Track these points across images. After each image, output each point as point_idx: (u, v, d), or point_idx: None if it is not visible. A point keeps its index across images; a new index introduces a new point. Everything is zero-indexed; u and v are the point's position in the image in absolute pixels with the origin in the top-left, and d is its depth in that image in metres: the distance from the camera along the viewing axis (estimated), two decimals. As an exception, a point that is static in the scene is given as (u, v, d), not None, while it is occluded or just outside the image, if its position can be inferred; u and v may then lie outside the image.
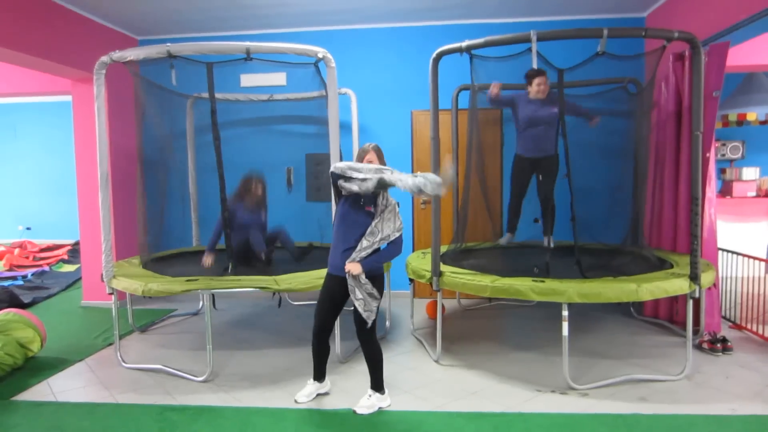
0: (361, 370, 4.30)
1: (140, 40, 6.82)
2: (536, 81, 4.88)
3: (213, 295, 4.23)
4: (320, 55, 4.20)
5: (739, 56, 5.34)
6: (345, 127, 6.08)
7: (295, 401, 3.74)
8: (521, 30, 3.90)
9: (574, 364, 4.22)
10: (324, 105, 4.42)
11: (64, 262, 9.30)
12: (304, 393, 3.78)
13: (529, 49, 3.85)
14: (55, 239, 10.69)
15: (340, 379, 4.15)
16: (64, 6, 5.58)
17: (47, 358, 4.65)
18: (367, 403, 3.61)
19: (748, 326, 5.01)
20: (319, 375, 3.82)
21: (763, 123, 6.91)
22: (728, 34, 4.56)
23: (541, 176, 5.01)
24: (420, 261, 4.94)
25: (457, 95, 5.86)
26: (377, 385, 3.66)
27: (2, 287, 6.65)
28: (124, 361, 4.49)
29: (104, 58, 4.24)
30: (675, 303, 5.15)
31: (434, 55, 4.26)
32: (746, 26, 4.34)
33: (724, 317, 5.32)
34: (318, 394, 3.83)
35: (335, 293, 3.59)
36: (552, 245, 4.81)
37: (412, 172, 6.55)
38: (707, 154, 4.72)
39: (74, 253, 9.55)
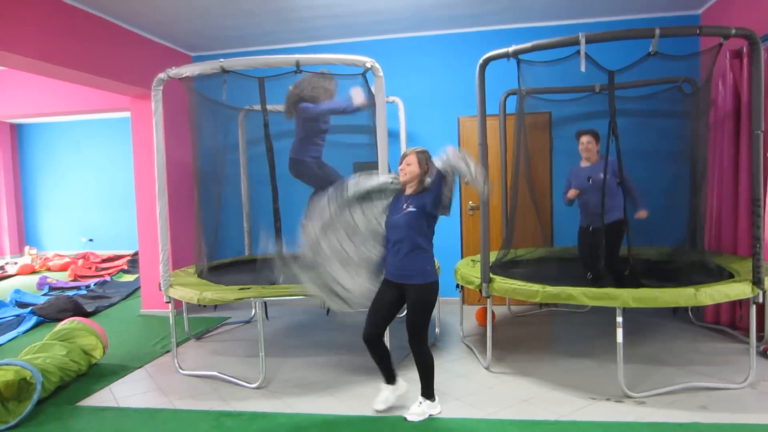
0: (412, 377, 4.30)
1: (194, 56, 7.06)
2: (584, 139, 4.87)
3: (265, 303, 4.31)
4: (368, 65, 4.25)
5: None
6: (393, 135, 6.12)
7: (375, 410, 3.70)
8: (570, 32, 3.84)
9: (629, 371, 4.10)
10: (372, 114, 4.47)
11: (124, 272, 9.68)
12: (380, 399, 3.74)
13: (578, 52, 3.80)
14: (115, 250, 11.15)
15: (391, 385, 4.16)
16: (122, 26, 5.85)
17: (109, 364, 4.84)
18: (417, 410, 3.60)
19: (818, 333, 4.76)
20: (389, 377, 3.78)
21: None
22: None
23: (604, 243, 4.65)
24: (469, 267, 4.92)
25: (505, 100, 5.82)
26: (428, 392, 3.65)
27: (67, 297, 6.97)
28: (181, 368, 4.64)
29: (161, 75, 4.42)
30: (738, 308, 4.93)
31: (481, 61, 4.25)
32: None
33: (792, 324, 5.06)
34: (399, 396, 3.79)
35: (389, 298, 3.61)
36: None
37: (460, 178, 6.52)
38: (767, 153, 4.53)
39: (133, 263, 9.94)
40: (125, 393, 4.25)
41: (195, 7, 5.40)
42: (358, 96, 4.72)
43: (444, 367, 4.50)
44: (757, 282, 3.78)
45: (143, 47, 6.18)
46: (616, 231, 4.66)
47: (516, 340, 5.18)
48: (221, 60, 4.28)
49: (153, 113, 4.50)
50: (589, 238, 4.85)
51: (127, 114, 6.85)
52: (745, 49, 4.63)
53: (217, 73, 4.31)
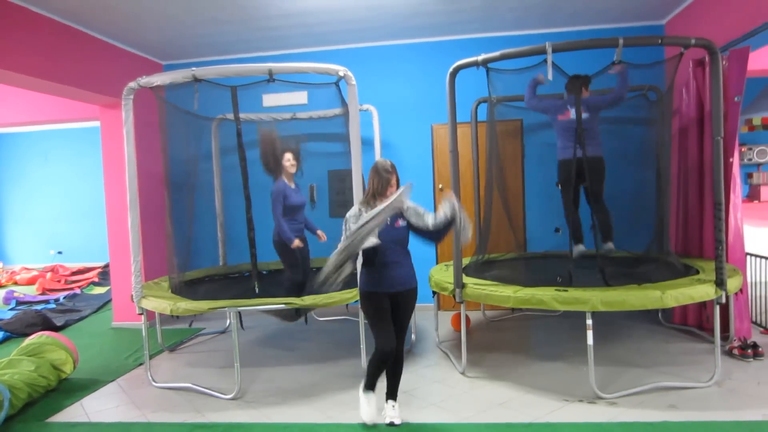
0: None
1: (165, 64, 7.01)
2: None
3: (240, 313, 4.29)
4: (341, 74, 4.28)
5: (762, 60, 5.30)
6: (367, 143, 6.16)
7: (366, 422, 3.61)
8: (539, 42, 3.92)
9: (601, 373, 4.19)
10: (345, 122, 4.50)
11: (95, 284, 9.51)
12: (372, 413, 3.62)
13: (545, 61, 3.88)
14: (85, 262, 10.94)
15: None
16: (91, 34, 5.77)
17: (80, 379, 4.75)
18: (398, 412, 3.64)
19: (781, 332, 4.92)
20: (394, 393, 3.70)
21: (789, 126, 6.81)
22: (749, 39, 4.54)
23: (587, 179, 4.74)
24: (443, 273, 4.96)
25: (476, 108, 5.90)
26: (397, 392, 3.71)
27: (35, 311, 6.82)
28: (154, 381, 4.57)
29: (132, 84, 4.38)
30: (704, 309, 5.07)
31: (451, 69, 4.31)
32: (765, 31, 4.31)
33: (755, 322, 5.22)
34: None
35: (388, 310, 3.56)
36: (611, 253, 4.73)
37: (434, 184, 6.59)
38: (731, 159, 4.68)
39: (104, 275, 9.76)
40: (97, 408, 4.17)
41: (166, 15, 5.37)
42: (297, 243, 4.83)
43: (420, 373, 4.53)
44: (720, 283, 3.90)
45: (113, 56, 6.11)
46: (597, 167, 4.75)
47: (491, 345, 5.24)
48: (193, 69, 4.27)
49: (123, 123, 4.46)
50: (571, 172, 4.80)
51: (96, 124, 6.75)
52: (706, 59, 4.78)
53: (189, 82, 4.30)
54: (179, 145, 5.23)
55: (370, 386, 3.60)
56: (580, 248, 4.95)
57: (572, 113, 4.68)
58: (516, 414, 3.68)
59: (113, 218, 6.44)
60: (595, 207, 4.69)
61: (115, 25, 5.60)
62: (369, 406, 3.59)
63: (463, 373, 4.46)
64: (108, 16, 5.35)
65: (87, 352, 5.44)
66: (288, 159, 4.82)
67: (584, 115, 4.64)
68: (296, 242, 4.76)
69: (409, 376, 4.45)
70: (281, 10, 5.36)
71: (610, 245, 4.76)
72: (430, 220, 3.48)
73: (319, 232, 5.14)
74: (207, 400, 4.20)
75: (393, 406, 3.66)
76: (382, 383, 3.61)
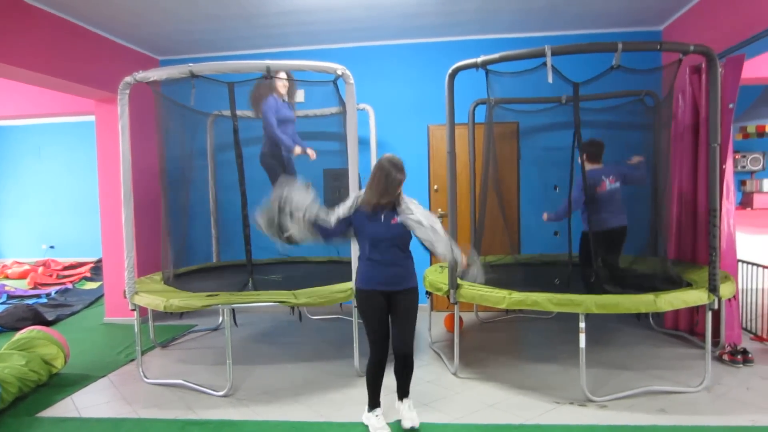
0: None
1: (161, 60, 6.98)
2: None
3: (233, 310, 4.28)
4: (339, 72, 4.28)
5: (756, 69, 5.33)
6: (363, 143, 6.16)
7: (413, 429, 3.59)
8: (537, 44, 3.93)
9: (592, 376, 4.21)
10: (342, 120, 4.49)
11: (87, 279, 9.46)
12: (407, 417, 3.62)
13: (544, 64, 3.90)
14: (77, 257, 10.89)
15: (358, 393, 4.17)
16: (87, 28, 5.74)
17: (71, 374, 4.73)
18: (415, 412, 3.63)
19: (771, 338, 4.96)
20: (404, 393, 3.67)
21: (782, 134, 6.87)
22: (744, 47, 4.57)
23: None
24: (437, 274, 4.97)
25: (474, 110, 5.91)
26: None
27: (26, 305, 6.77)
28: (146, 377, 4.55)
29: (128, 79, 4.36)
30: (695, 315, 5.10)
31: (450, 70, 4.32)
32: (762, 39, 4.34)
33: (745, 329, 5.26)
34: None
35: (380, 309, 3.51)
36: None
37: (429, 185, 6.60)
38: (724, 166, 4.71)
39: (96, 270, 9.71)
40: (87, 403, 4.15)
41: (163, 10, 5.34)
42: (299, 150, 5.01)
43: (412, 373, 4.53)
44: (713, 289, 3.92)
45: (109, 50, 6.08)
46: (613, 238, 4.82)
47: (483, 346, 5.24)
48: (190, 64, 4.25)
49: (119, 117, 4.43)
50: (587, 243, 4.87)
51: (90, 118, 6.70)
52: (703, 66, 4.81)
53: (186, 78, 4.28)
54: (175, 140, 5.22)
55: (373, 404, 3.57)
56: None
57: (608, 184, 4.84)
58: (507, 415, 3.69)
59: (107, 213, 6.40)
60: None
61: (111, 19, 5.57)
62: (379, 423, 3.51)
63: (455, 374, 4.47)
64: (105, 11, 5.32)
65: (78, 347, 5.41)
66: (281, 79, 4.91)
67: (616, 185, 4.81)
68: (297, 149, 4.79)
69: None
70: (279, 8, 5.35)
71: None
72: (439, 247, 3.40)
73: (309, 150, 5.09)
74: (198, 396, 4.19)
75: (409, 406, 3.61)
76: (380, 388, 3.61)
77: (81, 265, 10.41)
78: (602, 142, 4.92)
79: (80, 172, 10.83)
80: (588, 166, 4.85)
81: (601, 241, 4.69)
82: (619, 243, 4.86)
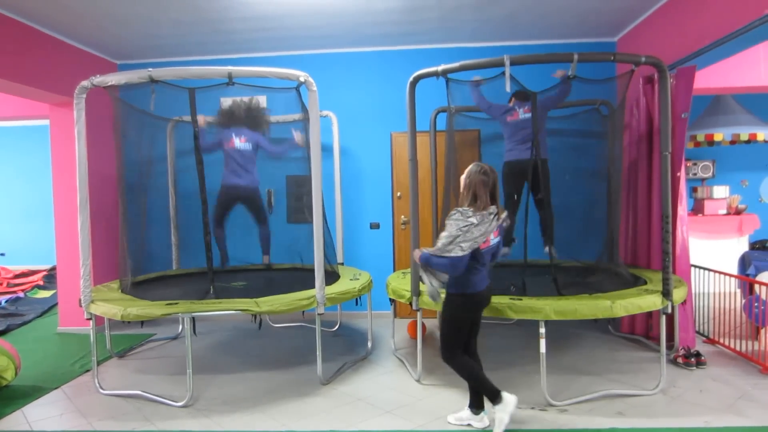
0: (344, 391, 4.31)
1: (119, 64, 6.84)
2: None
3: (193, 318, 4.21)
4: (302, 79, 4.27)
5: (707, 79, 5.55)
6: (326, 149, 6.15)
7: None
8: (496, 54, 4.01)
9: (553, 380, 4.28)
10: (305, 127, 4.48)
11: (40, 288, 9.14)
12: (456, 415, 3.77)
13: (503, 73, 3.97)
14: (29, 265, 10.52)
15: (322, 401, 4.15)
16: (42, 31, 5.59)
17: (22, 386, 4.56)
18: (458, 414, 3.74)
19: (721, 341, 5.13)
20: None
21: (731, 143, 7.13)
22: (695, 58, 4.75)
23: (532, 183, 4.85)
24: (400, 281, 4.98)
25: (435, 117, 5.96)
26: (474, 402, 3.71)
27: (-24, 314, 6.52)
28: (101, 388, 4.43)
29: (85, 83, 4.25)
30: (650, 319, 5.25)
31: (411, 79, 4.35)
32: (710, 51, 4.52)
33: (698, 332, 5.43)
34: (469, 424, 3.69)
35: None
36: (554, 257, 4.81)
37: (392, 192, 6.62)
38: (678, 174, 4.87)
39: (50, 278, 9.40)
40: (39, 416, 4.01)
41: (121, 14, 5.23)
42: (298, 137, 5.28)
43: (375, 380, 4.53)
44: (666, 294, 4.04)
45: (65, 53, 5.93)
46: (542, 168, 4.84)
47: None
48: (149, 69, 4.18)
49: (75, 122, 4.31)
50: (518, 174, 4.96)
51: (44, 122, 6.52)
52: (656, 76, 4.97)
53: (145, 83, 4.20)
54: (133, 146, 5.12)
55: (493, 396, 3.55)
56: (505, 250, 5.04)
57: (520, 114, 4.84)
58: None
59: (62, 219, 6.22)
60: (543, 209, 4.80)
61: (67, 22, 5.43)
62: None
63: (418, 381, 4.48)
64: (60, 14, 5.18)
65: (30, 357, 5.23)
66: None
67: (530, 115, 4.73)
68: (297, 136, 5.32)
69: (364, 383, 4.46)
70: (242, 14, 5.31)
71: (551, 249, 4.87)
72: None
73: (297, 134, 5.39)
74: (157, 407, 4.10)
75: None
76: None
77: (33, 273, 10.05)
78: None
79: (33, 177, 10.48)
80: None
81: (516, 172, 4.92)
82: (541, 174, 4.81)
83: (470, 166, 3.55)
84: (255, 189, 5.47)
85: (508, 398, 3.49)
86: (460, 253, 3.29)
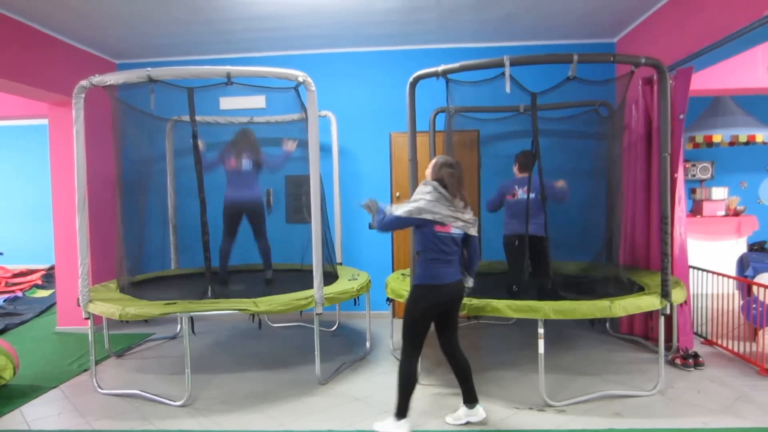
0: (342, 391, 4.31)
1: (118, 63, 6.83)
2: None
3: (192, 318, 4.21)
4: (300, 79, 4.27)
5: (706, 81, 5.55)
6: (324, 149, 6.15)
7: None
8: (496, 54, 4.01)
9: (551, 381, 4.28)
10: (304, 127, 4.48)
11: (38, 287, 9.13)
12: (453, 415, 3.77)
13: (503, 74, 3.97)
14: (28, 264, 10.51)
15: (320, 401, 4.15)
16: (42, 31, 5.59)
17: (20, 385, 4.56)
18: (454, 414, 3.75)
19: (719, 342, 5.13)
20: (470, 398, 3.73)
21: (730, 144, 7.13)
22: (694, 60, 4.75)
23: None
24: (399, 281, 4.98)
25: (434, 118, 5.96)
26: (467, 398, 3.72)
27: (-26, 313, 6.51)
28: (100, 387, 4.43)
29: (84, 83, 4.25)
30: (650, 320, 5.25)
31: (411, 79, 4.35)
32: (709, 52, 4.52)
33: (696, 333, 5.43)
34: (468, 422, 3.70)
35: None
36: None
37: (391, 192, 6.62)
38: (675, 175, 4.87)
39: (48, 278, 9.39)
40: (38, 415, 4.01)
41: (121, 13, 5.23)
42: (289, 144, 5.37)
43: (374, 380, 4.53)
44: (665, 295, 4.04)
45: (64, 52, 5.92)
46: (538, 245, 4.85)
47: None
48: (148, 69, 4.18)
49: (74, 121, 4.31)
50: (516, 247, 4.97)
51: (42, 121, 6.51)
52: (655, 77, 4.97)
53: (144, 82, 4.20)
54: (132, 145, 5.12)
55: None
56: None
57: (519, 193, 4.94)
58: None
59: (60, 219, 6.22)
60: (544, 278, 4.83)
61: (66, 22, 5.42)
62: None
63: (416, 381, 4.46)
64: (59, 13, 5.17)
65: (28, 357, 5.23)
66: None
67: (532, 196, 4.82)
68: (290, 144, 5.46)
69: (362, 383, 4.46)
70: (241, 14, 5.31)
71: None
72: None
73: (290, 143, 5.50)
74: (155, 407, 4.09)
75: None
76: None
77: (32, 272, 10.03)
78: (533, 153, 4.90)
79: (32, 176, 10.47)
80: (517, 174, 5.06)
81: (511, 245, 4.93)
82: (536, 250, 4.85)
83: (436, 158, 3.68)
84: (257, 202, 5.39)
85: (406, 426, 3.49)
86: (398, 213, 3.46)
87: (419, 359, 3.61)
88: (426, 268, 3.50)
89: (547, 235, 4.81)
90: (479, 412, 3.69)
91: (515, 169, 5.10)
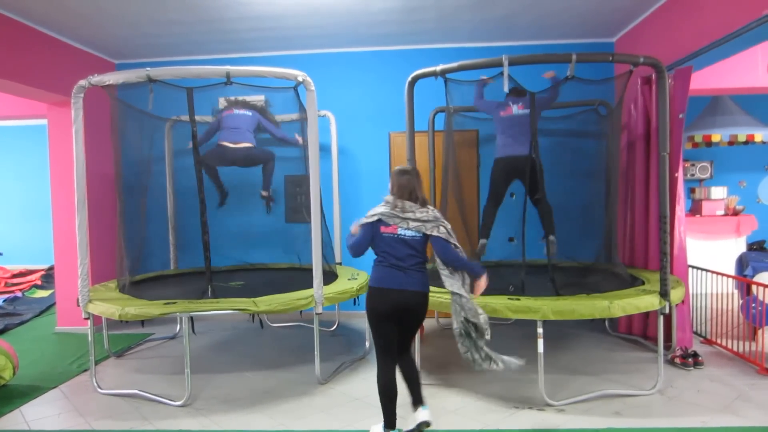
0: (342, 390, 4.31)
1: (117, 63, 6.83)
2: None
3: (192, 318, 4.21)
4: (300, 79, 4.27)
5: (705, 80, 5.55)
6: (324, 149, 6.15)
7: None
8: (494, 54, 4.01)
9: (550, 380, 4.28)
10: (303, 127, 4.48)
11: (38, 287, 9.12)
12: None
13: (502, 73, 3.97)
14: (27, 264, 10.50)
15: (320, 401, 4.15)
16: (41, 30, 5.58)
17: (20, 385, 4.56)
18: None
19: (718, 341, 5.14)
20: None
21: (729, 144, 7.14)
22: (692, 59, 4.75)
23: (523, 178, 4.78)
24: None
25: (434, 117, 5.97)
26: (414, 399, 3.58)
27: (-27, 314, 6.51)
28: (99, 387, 4.42)
29: (83, 82, 4.24)
30: (648, 319, 5.25)
31: (409, 78, 4.36)
32: (708, 52, 4.53)
33: (695, 332, 5.44)
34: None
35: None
36: (553, 249, 4.74)
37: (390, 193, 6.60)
38: (675, 174, 4.88)
39: (48, 278, 9.38)
40: (38, 415, 4.01)
41: (120, 13, 5.23)
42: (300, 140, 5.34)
43: (374, 381, 4.47)
44: (664, 294, 4.05)
45: (63, 52, 5.92)
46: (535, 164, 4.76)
47: (444, 352, 5.27)
48: (148, 69, 4.18)
49: (73, 121, 4.30)
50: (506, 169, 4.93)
51: (42, 122, 6.51)
52: (653, 76, 4.98)
53: (143, 82, 4.20)
54: (131, 145, 5.11)
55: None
56: (482, 242, 5.03)
57: (514, 109, 4.78)
58: (468, 421, 3.73)
59: (59, 219, 6.22)
60: (541, 204, 4.76)
61: (66, 22, 5.43)
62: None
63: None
64: (58, 13, 5.18)
65: (28, 357, 5.23)
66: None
67: (526, 111, 4.66)
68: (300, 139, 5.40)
69: (362, 383, 4.46)
70: (240, 14, 5.31)
71: (552, 238, 4.78)
72: None
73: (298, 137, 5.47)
74: (155, 407, 4.09)
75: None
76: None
77: (31, 272, 10.03)
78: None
79: (31, 176, 10.47)
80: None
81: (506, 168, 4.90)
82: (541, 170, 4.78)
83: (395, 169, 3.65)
84: (250, 148, 5.35)
85: None
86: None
87: (395, 368, 3.47)
88: (373, 270, 3.47)
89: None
90: (421, 414, 3.53)
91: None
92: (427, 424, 3.37)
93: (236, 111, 5.40)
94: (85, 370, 4.87)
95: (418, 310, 3.44)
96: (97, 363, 4.72)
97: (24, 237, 10.68)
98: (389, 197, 3.50)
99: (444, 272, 3.54)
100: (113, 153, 5.00)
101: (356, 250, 3.47)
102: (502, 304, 3.94)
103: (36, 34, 5.53)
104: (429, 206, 3.49)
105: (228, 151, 5.30)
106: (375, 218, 3.43)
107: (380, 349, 3.44)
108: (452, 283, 3.53)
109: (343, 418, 3.82)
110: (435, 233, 3.40)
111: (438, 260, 3.52)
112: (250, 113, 5.43)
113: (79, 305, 4.43)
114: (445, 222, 3.47)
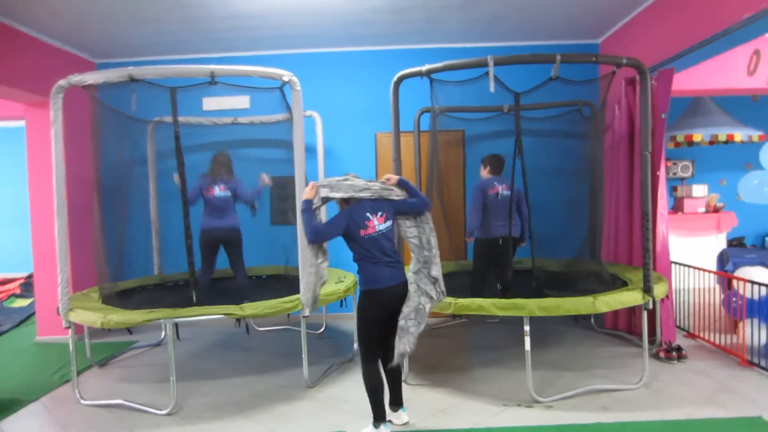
0: (330, 393, 4.28)
1: (98, 63, 6.72)
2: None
3: (176, 324, 4.14)
4: (285, 79, 4.23)
5: (687, 81, 5.61)
6: (310, 150, 6.11)
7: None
8: (482, 54, 4.01)
9: (538, 377, 4.30)
10: (289, 128, 4.44)
11: (16, 296, 8.93)
12: None
13: (487, 73, 3.98)
14: (5, 273, 10.29)
15: (308, 404, 4.12)
16: (17, 28, 5.45)
17: (-1, 398, 4.45)
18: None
19: (701, 335, 5.21)
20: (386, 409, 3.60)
21: (710, 143, 7.24)
22: (676, 61, 4.81)
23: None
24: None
25: (419, 117, 5.97)
26: (392, 399, 3.67)
27: (-51, 324, 6.35)
28: (82, 398, 4.32)
29: (62, 82, 4.15)
30: (633, 315, 5.31)
31: (395, 78, 4.35)
32: (691, 54, 4.58)
33: (679, 327, 5.51)
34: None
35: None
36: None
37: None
38: (657, 173, 4.94)
39: (27, 287, 9.20)
40: (18, 430, 3.91)
41: (100, 11, 5.13)
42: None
43: (362, 382, 4.50)
44: (647, 290, 4.10)
45: (42, 52, 5.79)
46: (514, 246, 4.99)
47: (432, 352, 5.27)
48: (129, 68, 4.10)
49: (51, 123, 4.20)
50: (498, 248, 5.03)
51: (19, 123, 6.38)
52: (637, 77, 5.03)
53: (125, 82, 4.11)
54: (113, 147, 5.02)
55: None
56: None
57: (500, 190, 5.01)
58: (457, 420, 3.73)
59: (38, 225, 6.08)
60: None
61: (44, 20, 5.31)
62: None
63: (405, 381, 4.45)
64: (37, 11, 5.07)
65: (7, 369, 5.13)
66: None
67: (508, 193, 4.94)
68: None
69: (350, 386, 4.43)
70: (225, 12, 5.25)
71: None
72: None
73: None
74: (140, 417, 4.02)
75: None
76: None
77: (9, 281, 9.83)
78: (502, 157, 5.13)
79: (8, 180, 10.25)
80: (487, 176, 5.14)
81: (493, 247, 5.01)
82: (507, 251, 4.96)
83: None
84: (235, 230, 5.22)
85: (386, 430, 3.47)
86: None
87: (379, 363, 3.51)
88: (370, 272, 3.45)
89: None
90: (401, 416, 3.68)
91: (485, 172, 5.15)
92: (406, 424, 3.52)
93: (218, 193, 5.15)
94: (67, 381, 4.75)
95: (403, 301, 3.53)
96: (79, 373, 4.61)
97: (2, 244, 10.46)
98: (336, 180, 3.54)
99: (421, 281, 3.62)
100: (93, 156, 4.90)
101: (321, 237, 3.42)
102: (488, 302, 3.96)
103: (13, 33, 5.41)
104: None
105: (214, 234, 5.17)
106: (345, 196, 3.48)
107: (370, 350, 3.45)
108: (430, 289, 3.60)
109: (333, 421, 3.80)
110: (394, 197, 3.53)
111: (414, 264, 3.63)
112: (230, 193, 5.23)
113: (59, 314, 4.31)
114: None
